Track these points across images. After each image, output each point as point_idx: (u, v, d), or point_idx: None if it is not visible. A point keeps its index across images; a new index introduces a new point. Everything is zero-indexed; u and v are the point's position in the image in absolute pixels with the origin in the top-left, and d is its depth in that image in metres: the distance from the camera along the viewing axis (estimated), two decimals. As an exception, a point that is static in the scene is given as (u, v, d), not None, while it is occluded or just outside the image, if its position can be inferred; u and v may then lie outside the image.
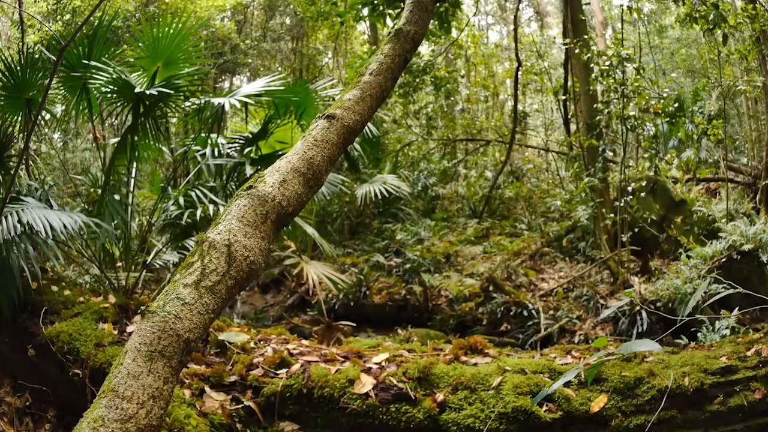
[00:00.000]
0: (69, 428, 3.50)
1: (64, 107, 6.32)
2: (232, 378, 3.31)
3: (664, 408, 3.13)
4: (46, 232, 4.44)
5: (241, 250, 2.40)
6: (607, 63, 10.07)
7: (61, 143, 16.20)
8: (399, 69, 3.77)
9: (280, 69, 20.47)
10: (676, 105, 10.96)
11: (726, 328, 6.25)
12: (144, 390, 1.91)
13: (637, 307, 8.56)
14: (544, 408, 3.07)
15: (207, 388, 3.19)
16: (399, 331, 9.30)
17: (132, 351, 2.02)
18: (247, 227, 2.48)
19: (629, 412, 3.16)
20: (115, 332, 3.85)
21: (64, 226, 4.57)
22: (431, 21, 10.25)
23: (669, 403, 3.14)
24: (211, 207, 5.55)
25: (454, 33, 14.80)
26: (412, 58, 13.37)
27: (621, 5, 11.86)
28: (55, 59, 5.56)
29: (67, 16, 15.43)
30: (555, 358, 3.63)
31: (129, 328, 3.95)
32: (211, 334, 3.69)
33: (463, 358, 3.54)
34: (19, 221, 4.47)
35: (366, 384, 3.21)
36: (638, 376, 3.25)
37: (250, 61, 21.24)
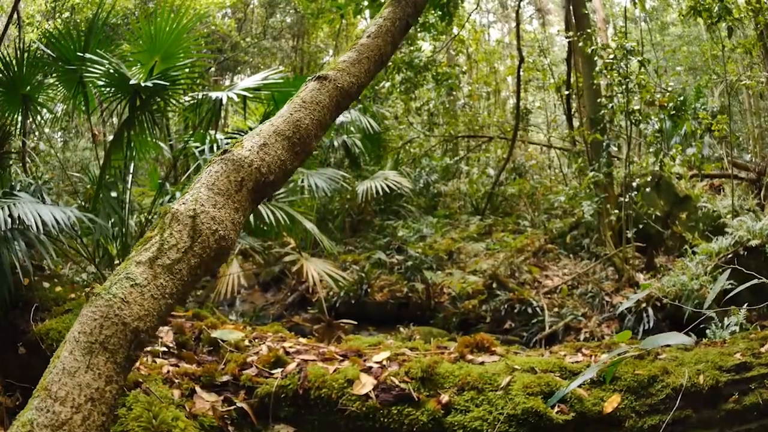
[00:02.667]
0: None
1: (63, 106, 6.30)
2: (225, 378, 3.14)
3: (678, 407, 3.00)
4: (38, 227, 4.38)
5: (209, 222, 2.06)
6: (611, 56, 9.95)
7: (62, 142, 16.19)
8: (400, 33, 3.52)
9: (281, 67, 20.37)
10: (681, 99, 10.84)
11: (735, 324, 6.15)
12: (80, 390, 1.60)
13: (643, 304, 8.46)
14: (556, 409, 2.92)
15: (198, 389, 3.03)
16: (401, 329, 9.19)
17: (70, 342, 1.71)
18: (218, 196, 2.15)
19: (643, 412, 3.03)
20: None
21: (56, 221, 4.51)
22: (433, 13, 10.18)
23: (684, 402, 3.02)
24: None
25: (455, 30, 14.70)
26: (416, 55, 13.29)
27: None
28: (51, 53, 5.52)
29: (66, 14, 15.38)
30: (565, 356, 3.48)
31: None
32: (204, 331, 3.54)
33: (469, 357, 3.38)
34: (10, 215, 4.39)
35: (366, 384, 3.05)
36: (652, 375, 3.12)
37: (249, 59, 21.15)
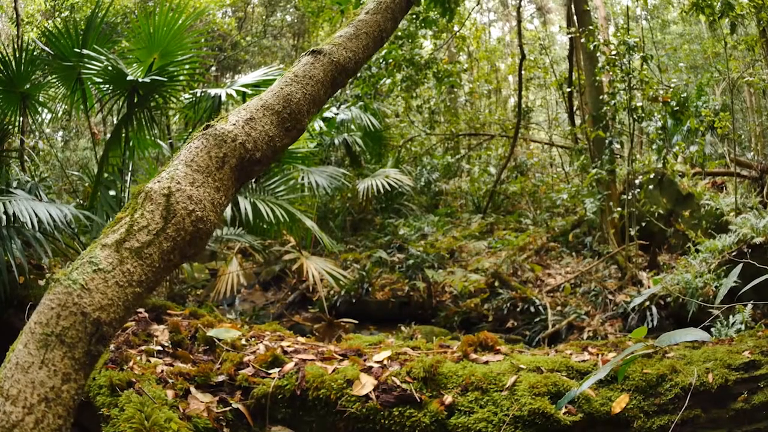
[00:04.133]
0: None
1: (62, 104, 6.30)
2: (220, 378, 3.04)
3: (687, 407, 2.92)
4: (33, 224, 4.37)
5: (185, 202, 1.87)
6: (614, 53, 9.88)
7: (62, 142, 16.19)
8: (401, 11, 3.36)
9: (281, 66, 20.32)
10: (684, 95, 10.78)
11: (741, 322, 6.10)
12: (34, 389, 1.43)
13: (647, 303, 8.40)
14: (563, 410, 2.83)
15: (192, 389, 2.93)
16: (402, 328, 9.13)
17: (26, 333, 1.55)
18: (197, 174, 1.94)
19: (652, 412, 2.94)
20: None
21: (52, 218, 4.52)
22: (434, 11, 10.09)
23: (693, 402, 2.94)
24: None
25: (455, 28, 14.64)
26: (417, 51, 13.21)
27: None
28: (49, 51, 5.50)
29: (66, 13, 15.34)
30: (571, 354, 3.38)
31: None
32: (200, 330, 3.45)
33: (473, 356, 3.28)
34: (5, 212, 4.40)
35: (366, 385, 2.94)
36: (660, 374, 3.04)
37: (249, 58, 21.12)
